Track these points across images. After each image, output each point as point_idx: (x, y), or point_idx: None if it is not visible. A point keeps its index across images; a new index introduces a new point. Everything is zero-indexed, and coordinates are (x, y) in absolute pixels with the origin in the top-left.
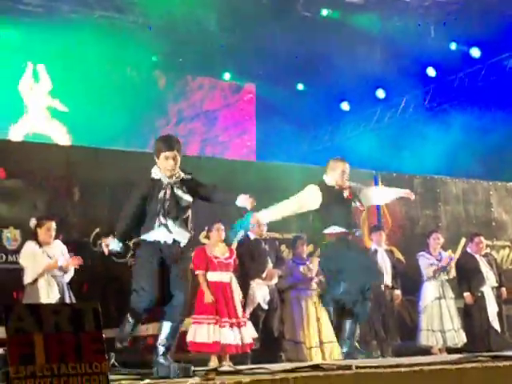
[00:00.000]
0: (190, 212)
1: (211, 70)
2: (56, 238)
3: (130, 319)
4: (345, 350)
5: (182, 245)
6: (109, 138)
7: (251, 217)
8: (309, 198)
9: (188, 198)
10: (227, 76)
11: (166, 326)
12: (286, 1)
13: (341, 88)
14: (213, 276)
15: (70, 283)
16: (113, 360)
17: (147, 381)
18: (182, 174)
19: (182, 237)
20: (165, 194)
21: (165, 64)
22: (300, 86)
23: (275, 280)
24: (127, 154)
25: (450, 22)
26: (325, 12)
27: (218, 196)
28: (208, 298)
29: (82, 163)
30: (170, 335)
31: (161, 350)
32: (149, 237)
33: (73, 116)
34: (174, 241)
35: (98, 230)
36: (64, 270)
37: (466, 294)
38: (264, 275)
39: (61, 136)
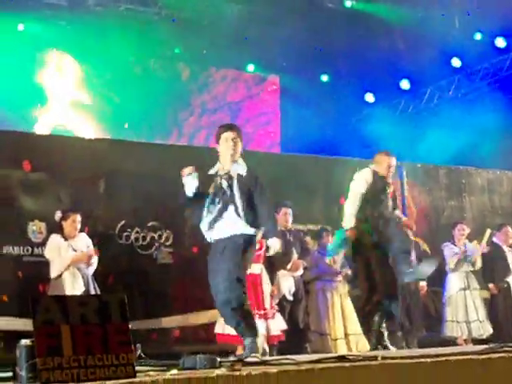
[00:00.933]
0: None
1: (235, 62)
2: (82, 230)
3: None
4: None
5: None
6: (133, 130)
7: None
8: (358, 181)
9: (239, 195)
10: (251, 68)
11: None
12: None
13: (365, 79)
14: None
15: (95, 275)
16: (139, 351)
17: (174, 371)
18: (238, 169)
19: (248, 228)
20: (221, 185)
21: (188, 56)
22: (324, 78)
23: (301, 271)
24: (152, 146)
25: (474, 12)
26: (348, 3)
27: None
28: None
29: (106, 155)
30: None
31: None
32: (222, 232)
33: (97, 109)
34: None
35: (123, 222)
36: (88, 263)
37: (491, 286)
38: (289, 266)
39: (85, 129)
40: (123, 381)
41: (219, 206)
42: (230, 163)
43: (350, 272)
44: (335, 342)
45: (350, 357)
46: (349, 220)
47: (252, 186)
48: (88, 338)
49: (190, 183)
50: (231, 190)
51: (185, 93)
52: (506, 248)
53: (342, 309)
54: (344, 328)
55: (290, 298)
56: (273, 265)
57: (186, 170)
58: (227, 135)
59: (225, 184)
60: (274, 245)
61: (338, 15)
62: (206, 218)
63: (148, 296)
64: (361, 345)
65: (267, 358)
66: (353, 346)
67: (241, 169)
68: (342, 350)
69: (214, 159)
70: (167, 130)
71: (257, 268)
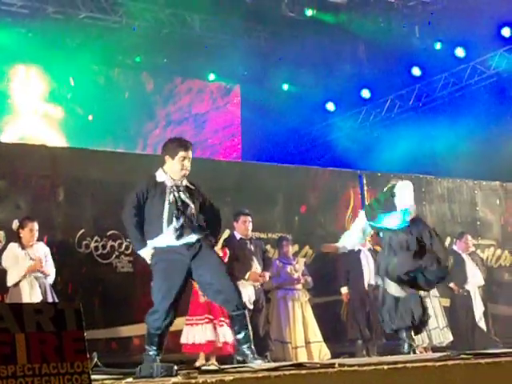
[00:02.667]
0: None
1: (196, 70)
2: (40, 239)
3: (149, 347)
4: None
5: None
6: (97, 141)
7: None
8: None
9: (192, 205)
10: (212, 77)
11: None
12: (271, 1)
13: (326, 88)
14: None
15: (54, 284)
16: (95, 360)
17: (130, 379)
18: (186, 182)
19: (194, 235)
20: (174, 196)
21: (149, 65)
22: (285, 87)
23: (260, 281)
24: (112, 154)
25: (434, 21)
26: (309, 12)
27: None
28: (202, 297)
29: (66, 164)
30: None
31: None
32: (161, 243)
33: (62, 119)
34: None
35: (82, 230)
36: (46, 273)
37: (452, 284)
38: (247, 276)
39: (51, 138)
40: None
41: (179, 216)
42: (181, 178)
43: (310, 280)
44: (296, 350)
45: (308, 364)
46: None
47: (199, 197)
48: (43, 346)
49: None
50: (185, 202)
51: (150, 104)
52: (465, 256)
53: (303, 317)
54: (305, 336)
55: (251, 306)
56: (232, 274)
57: None
58: (185, 155)
59: (179, 195)
60: None
61: (299, 24)
62: (168, 229)
63: (108, 305)
64: (323, 353)
65: (225, 366)
66: (315, 353)
67: (187, 182)
68: (303, 358)
69: None
70: (132, 141)
71: None
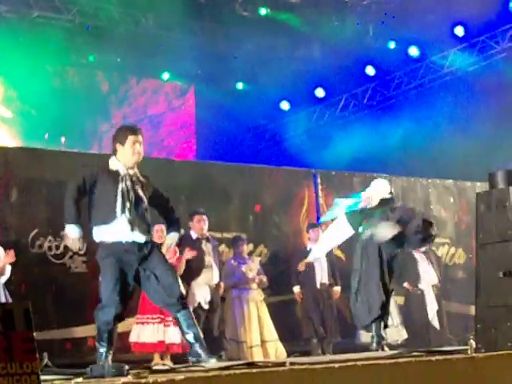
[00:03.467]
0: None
1: (150, 69)
2: None
3: (99, 344)
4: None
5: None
6: (52, 142)
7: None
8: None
9: (145, 200)
10: (166, 76)
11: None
12: (225, 0)
13: (280, 87)
14: None
15: (7, 284)
16: (46, 360)
17: (79, 379)
18: (138, 173)
19: (142, 235)
20: (127, 186)
21: (102, 64)
22: (240, 86)
23: (216, 280)
24: (65, 154)
25: (388, 20)
26: (263, 11)
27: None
28: None
29: (19, 164)
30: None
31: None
32: (110, 236)
33: (15, 120)
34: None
35: (36, 230)
36: (1, 272)
37: (406, 284)
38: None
39: (3, 140)
40: None
41: (131, 208)
42: (132, 165)
43: (265, 279)
44: (251, 350)
45: (260, 363)
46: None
47: (150, 190)
48: None
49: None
50: (139, 195)
51: (105, 105)
52: (417, 255)
53: (258, 316)
54: (260, 335)
55: (206, 306)
56: (186, 273)
57: None
58: (135, 139)
59: (132, 186)
60: (172, 238)
61: (253, 23)
62: (121, 218)
63: (61, 305)
64: (279, 351)
65: (177, 365)
66: (271, 352)
67: (139, 174)
68: (258, 357)
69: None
70: (87, 142)
71: None
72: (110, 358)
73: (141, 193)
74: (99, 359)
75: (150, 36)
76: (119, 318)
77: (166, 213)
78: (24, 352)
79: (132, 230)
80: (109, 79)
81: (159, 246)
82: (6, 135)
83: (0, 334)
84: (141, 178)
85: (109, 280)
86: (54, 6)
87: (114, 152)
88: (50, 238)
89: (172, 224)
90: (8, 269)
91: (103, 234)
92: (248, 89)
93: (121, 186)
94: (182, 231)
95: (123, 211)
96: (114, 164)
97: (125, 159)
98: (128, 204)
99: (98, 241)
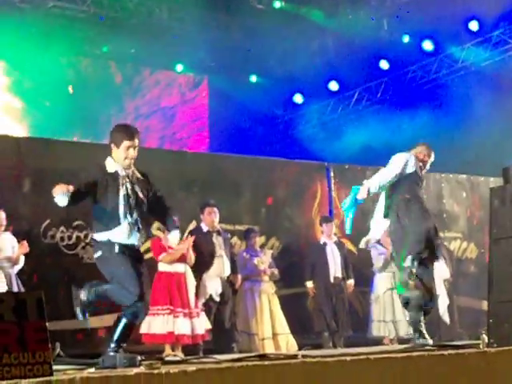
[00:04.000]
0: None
1: (164, 61)
2: (7, 229)
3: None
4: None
5: (137, 247)
6: (65, 133)
7: (358, 192)
8: (399, 161)
9: (145, 200)
10: (179, 68)
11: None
12: None
13: (294, 80)
14: (168, 266)
15: (19, 274)
16: (58, 350)
17: (92, 369)
18: (136, 172)
19: (141, 238)
20: (126, 189)
21: (116, 55)
22: (253, 78)
23: (227, 272)
24: (78, 144)
25: (402, 15)
26: (278, 4)
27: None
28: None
29: (32, 154)
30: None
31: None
32: (115, 236)
33: (29, 110)
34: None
35: (48, 221)
36: (13, 262)
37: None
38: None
39: (16, 131)
40: (40, 379)
41: (132, 211)
42: (128, 167)
43: (276, 272)
44: (263, 342)
45: (271, 355)
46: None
47: (150, 189)
48: (4, 336)
49: (61, 202)
50: (139, 196)
51: (119, 97)
52: None
53: (270, 309)
54: (272, 328)
55: (217, 298)
56: (198, 265)
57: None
58: (130, 144)
59: (132, 187)
60: (175, 236)
61: (268, 16)
62: (124, 222)
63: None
64: (290, 344)
65: (189, 357)
66: (282, 345)
67: (137, 172)
68: (270, 349)
69: (140, 158)
70: (100, 133)
71: (181, 267)
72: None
73: (141, 195)
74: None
75: (164, 27)
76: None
77: (163, 213)
78: (37, 342)
79: (131, 234)
80: (122, 70)
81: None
82: (18, 126)
83: (13, 324)
84: (139, 177)
85: (126, 269)
86: None
87: (110, 150)
88: (62, 228)
89: (170, 223)
90: (22, 259)
91: (104, 236)
92: (261, 81)
93: (122, 191)
94: (194, 223)
95: (125, 217)
96: (110, 166)
97: (119, 160)
98: (129, 209)
99: (98, 240)
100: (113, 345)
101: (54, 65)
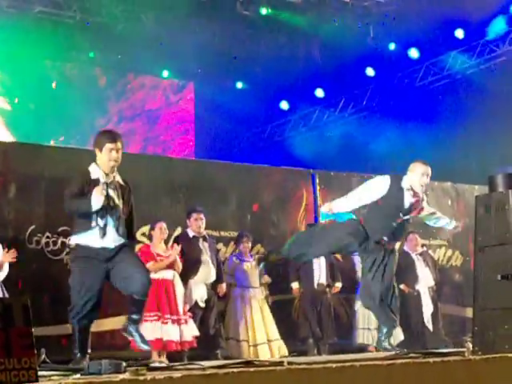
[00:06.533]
0: (123, 215)
1: (150, 67)
2: None
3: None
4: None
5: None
6: (49, 136)
7: (324, 206)
8: (376, 186)
9: (121, 206)
10: (166, 74)
11: None
12: None
13: (280, 87)
14: (156, 273)
15: (3, 281)
16: (43, 356)
17: (77, 375)
18: (119, 178)
19: (113, 242)
20: (103, 195)
21: (103, 61)
22: (239, 85)
23: (213, 278)
24: (64, 150)
25: (388, 22)
26: (264, 11)
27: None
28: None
29: (17, 159)
30: None
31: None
32: (83, 240)
33: (13, 114)
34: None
35: (33, 226)
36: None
37: (402, 286)
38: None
39: (1, 133)
40: None
41: (104, 215)
42: (110, 172)
43: (267, 277)
44: (256, 348)
45: (257, 362)
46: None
47: (130, 197)
48: None
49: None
50: (118, 199)
51: (102, 99)
52: (414, 256)
53: (261, 315)
54: (263, 334)
55: (202, 304)
56: (185, 271)
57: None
58: (112, 146)
59: (108, 193)
60: None
61: (254, 23)
62: (98, 227)
63: (58, 301)
64: (282, 350)
65: (174, 363)
66: (275, 351)
67: (119, 178)
68: (263, 355)
69: (129, 165)
70: (84, 136)
71: (169, 274)
72: (87, 357)
73: (117, 201)
74: (75, 359)
75: (150, 34)
76: (89, 323)
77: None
78: (22, 347)
79: (103, 236)
80: (107, 74)
81: (130, 245)
82: (1, 129)
83: None
84: (121, 184)
85: (75, 285)
86: (56, 2)
87: (94, 157)
88: (47, 234)
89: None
90: (6, 266)
91: (77, 240)
92: (247, 88)
93: (99, 195)
94: (179, 229)
95: (97, 221)
96: (94, 172)
97: (102, 165)
98: (101, 212)
99: (72, 244)
100: (78, 353)
101: (39, 67)
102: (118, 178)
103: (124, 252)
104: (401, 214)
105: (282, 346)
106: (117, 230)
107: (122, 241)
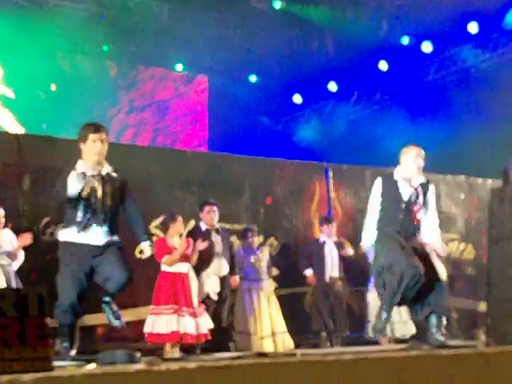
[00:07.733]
0: (116, 211)
1: (164, 60)
2: (6, 225)
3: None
4: None
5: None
6: (60, 126)
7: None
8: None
9: (107, 198)
10: (179, 67)
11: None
12: None
13: (293, 80)
14: (172, 266)
15: (18, 271)
16: (59, 346)
17: (92, 365)
18: (109, 169)
19: (99, 237)
20: (90, 188)
21: (116, 54)
22: (253, 78)
23: (226, 271)
24: (76, 142)
25: (402, 15)
26: (278, 4)
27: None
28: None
29: (32, 151)
30: None
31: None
32: (69, 236)
33: (24, 105)
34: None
35: (47, 218)
36: (12, 257)
37: None
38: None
39: (13, 125)
40: (40, 374)
41: (87, 209)
42: (96, 165)
43: (275, 269)
44: (262, 341)
45: (271, 354)
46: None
47: (122, 188)
48: (5, 331)
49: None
50: (105, 192)
51: (113, 90)
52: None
53: (268, 307)
54: (270, 326)
55: (215, 297)
56: (197, 263)
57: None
58: (95, 137)
59: (98, 185)
60: (146, 250)
61: (268, 16)
62: (76, 221)
63: None
64: (287, 343)
65: (188, 356)
66: (279, 343)
67: (110, 170)
68: (269, 348)
69: (138, 158)
70: None
71: (184, 267)
72: (74, 351)
73: (100, 192)
74: (62, 352)
75: (164, 27)
76: (75, 319)
77: (135, 219)
78: (37, 337)
79: (85, 230)
80: (118, 65)
81: (117, 244)
82: (13, 119)
83: (14, 319)
84: (112, 176)
85: (62, 281)
86: None
87: (80, 152)
88: (61, 225)
89: (140, 231)
90: (21, 255)
91: (64, 235)
92: (261, 82)
93: (85, 190)
94: (193, 222)
95: (84, 215)
96: (80, 167)
97: (87, 158)
98: (83, 205)
99: (60, 240)
100: (64, 348)
101: (51, 59)
102: (108, 170)
103: (109, 252)
104: (403, 205)
105: (287, 339)
106: (102, 224)
107: (109, 237)
